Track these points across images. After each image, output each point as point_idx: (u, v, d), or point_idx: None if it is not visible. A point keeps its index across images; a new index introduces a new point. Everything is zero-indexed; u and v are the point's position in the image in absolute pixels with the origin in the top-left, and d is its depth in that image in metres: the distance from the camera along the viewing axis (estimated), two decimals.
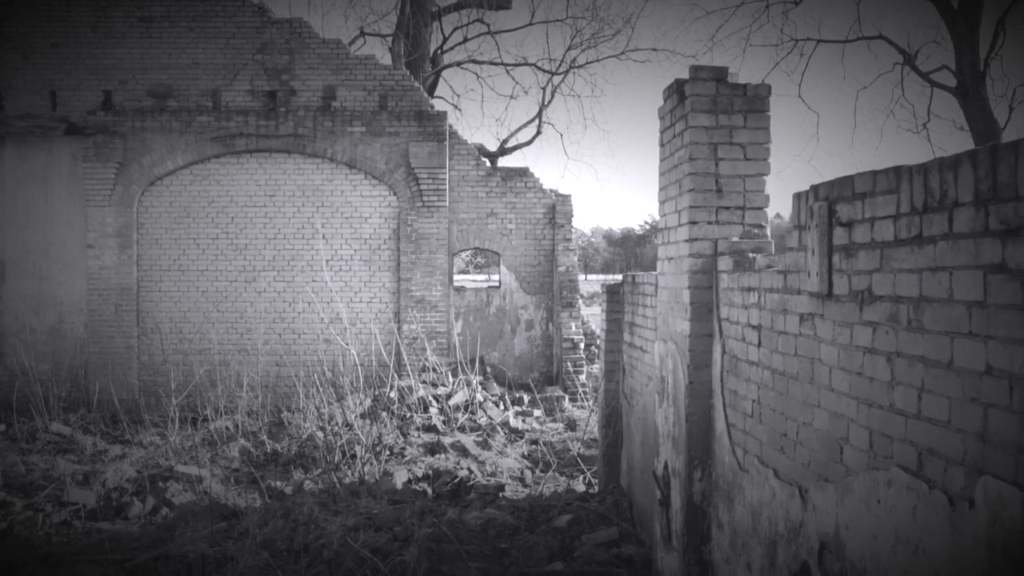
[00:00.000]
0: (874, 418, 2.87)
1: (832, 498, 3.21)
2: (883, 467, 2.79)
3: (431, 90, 21.17)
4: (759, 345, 4.07)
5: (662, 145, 5.43)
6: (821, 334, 3.33)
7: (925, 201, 2.55)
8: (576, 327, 13.68)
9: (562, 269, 14.12)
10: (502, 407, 12.25)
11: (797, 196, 3.61)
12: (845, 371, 3.10)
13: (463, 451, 9.89)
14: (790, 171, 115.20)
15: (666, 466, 5.38)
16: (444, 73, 22.95)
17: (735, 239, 4.75)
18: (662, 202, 5.44)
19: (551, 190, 14.60)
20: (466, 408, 11.51)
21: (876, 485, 2.84)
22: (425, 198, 13.73)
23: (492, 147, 22.71)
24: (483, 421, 11.28)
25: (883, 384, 2.80)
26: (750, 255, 4.49)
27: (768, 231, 4.85)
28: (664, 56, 51.13)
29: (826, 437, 3.29)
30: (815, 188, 3.41)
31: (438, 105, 16.04)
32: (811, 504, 3.42)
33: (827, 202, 3.24)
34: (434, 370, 12.73)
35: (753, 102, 4.76)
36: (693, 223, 4.76)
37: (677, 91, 4.99)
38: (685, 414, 4.89)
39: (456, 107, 40.29)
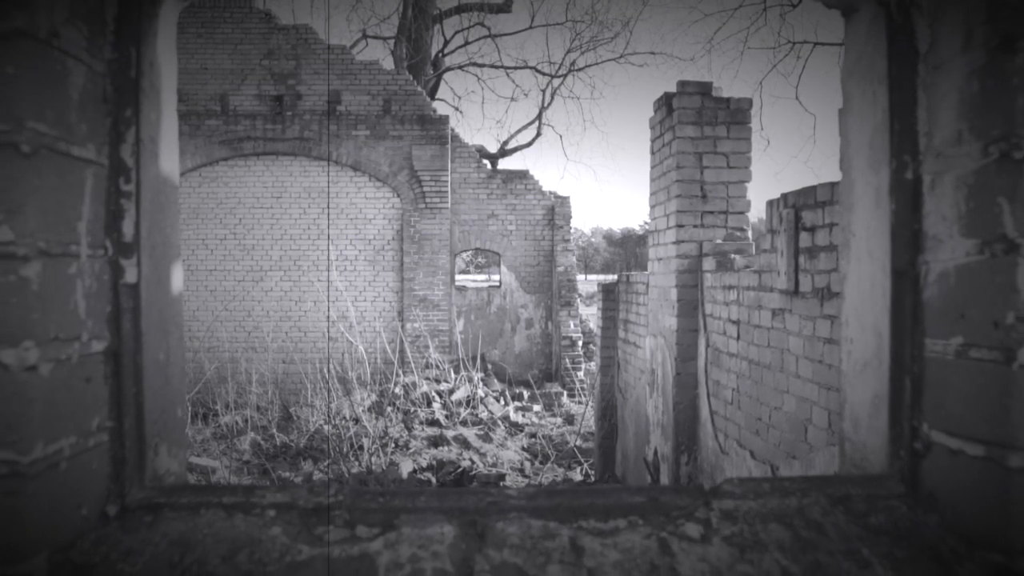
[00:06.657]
0: (832, 400, 3.25)
1: (798, 474, 3.59)
2: (838, 443, 3.18)
3: (432, 92, 21.55)
4: (738, 338, 4.46)
5: (652, 153, 5.81)
6: (789, 327, 3.71)
7: None
8: (574, 325, 14.07)
9: (561, 269, 14.50)
10: (502, 402, 12.64)
11: (770, 203, 3.99)
12: (809, 360, 3.49)
13: (465, 444, 10.27)
14: (788, 171, 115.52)
15: (656, 452, 5.76)
16: (445, 76, 23.34)
17: (719, 241, 5.13)
18: (652, 206, 5.83)
19: (550, 192, 14.98)
20: (468, 403, 11.90)
21: (833, 460, 3.22)
22: (428, 200, 14.11)
23: (493, 149, 23.11)
24: (484, 415, 11.66)
25: (839, 370, 3.18)
26: (731, 256, 4.87)
27: (750, 234, 5.24)
28: (662, 59, 51.60)
29: (793, 419, 3.67)
30: (784, 196, 3.79)
31: (440, 107, 16.43)
32: None
33: (794, 209, 3.62)
34: (437, 367, 13.12)
35: (736, 114, 5.14)
36: (680, 226, 5.15)
37: (665, 104, 5.37)
38: (673, 403, 5.28)
39: (457, 109, 40.66)
